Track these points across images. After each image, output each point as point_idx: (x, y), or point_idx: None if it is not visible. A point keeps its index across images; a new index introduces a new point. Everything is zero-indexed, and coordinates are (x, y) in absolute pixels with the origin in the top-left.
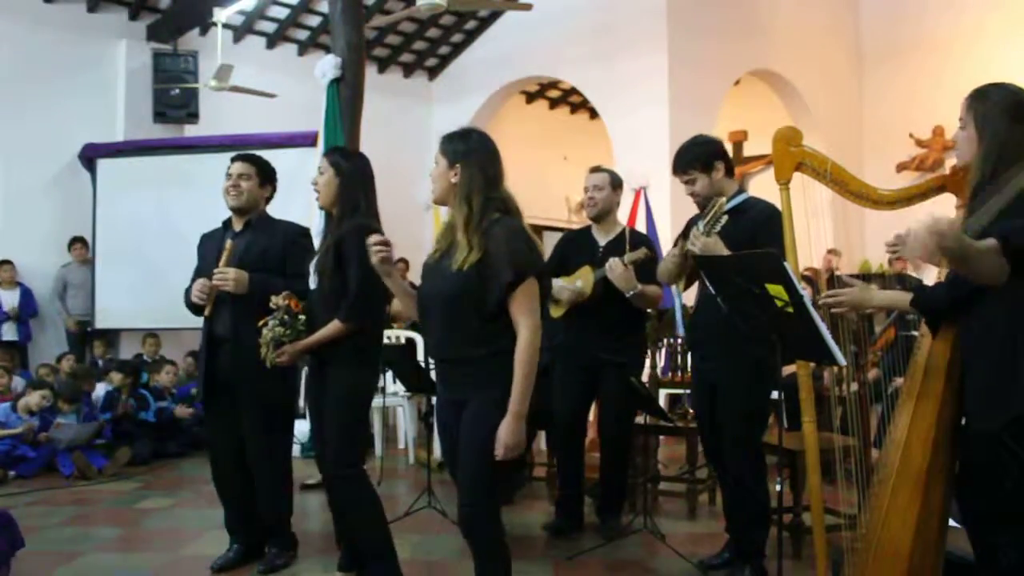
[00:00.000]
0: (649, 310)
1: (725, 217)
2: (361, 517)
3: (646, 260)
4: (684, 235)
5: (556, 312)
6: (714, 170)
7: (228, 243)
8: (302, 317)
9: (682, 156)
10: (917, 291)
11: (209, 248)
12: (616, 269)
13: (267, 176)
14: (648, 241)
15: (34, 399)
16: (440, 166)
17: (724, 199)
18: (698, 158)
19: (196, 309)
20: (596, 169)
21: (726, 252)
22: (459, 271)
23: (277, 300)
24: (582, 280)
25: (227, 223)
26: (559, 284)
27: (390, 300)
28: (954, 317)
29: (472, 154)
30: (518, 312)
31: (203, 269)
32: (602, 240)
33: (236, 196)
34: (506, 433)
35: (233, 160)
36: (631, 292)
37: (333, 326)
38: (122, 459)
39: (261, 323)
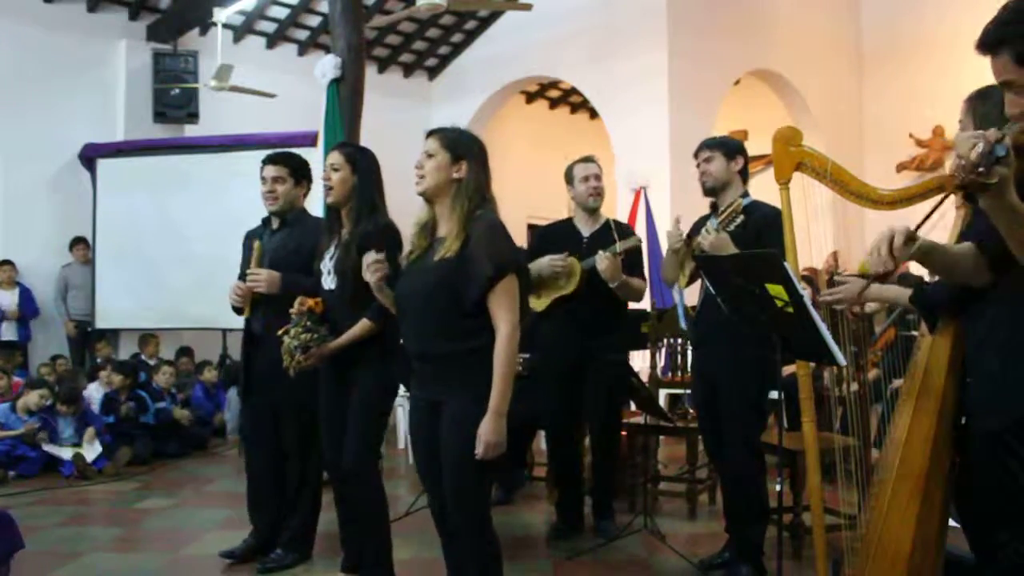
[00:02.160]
0: (648, 310)
1: (741, 217)
2: (373, 516)
3: (633, 252)
4: (692, 235)
5: (539, 304)
6: (733, 161)
7: (256, 244)
8: (325, 322)
9: (711, 139)
10: (917, 288)
11: (249, 247)
12: (605, 260)
13: (301, 173)
14: (632, 233)
15: (32, 399)
16: (439, 159)
17: (742, 199)
18: (725, 144)
19: (237, 310)
20: (591, 159)
21: (734, 250)
22: (439, 261)
23: (299, 307)
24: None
25: (267, 220)
26: (546, 259)
27: None
28: (953, 315)
29: (477, 152)
30: (497, 308)
31: (244, 268)
32: (586, 231)
33: (273, 201)
34: (487, 431)
35: (265, 162)
36: (616, 283)
37: (363, 326)
38: (122, 459)
39: (281, 331)
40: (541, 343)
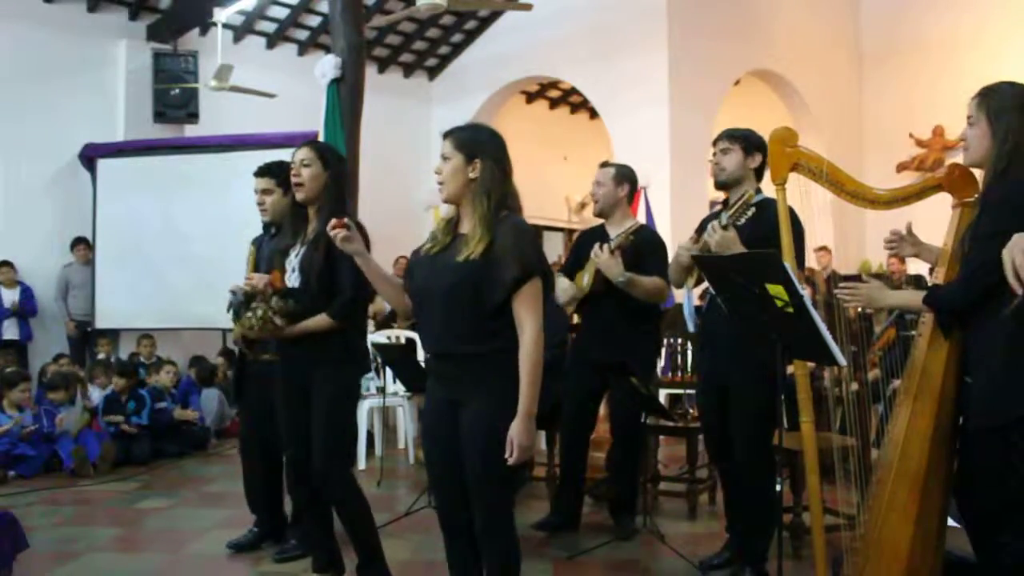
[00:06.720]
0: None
1: (752, 210)
2: (356, 515)
3: (641, 250)
4: (700, 231)
5: (568, 308)
6: (751, 157)
7: (250, 248)
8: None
9: (734, 129)
10: (931, 290)
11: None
12: (601, 255)
13: (289, 182)
14: (654, 238)
15: (15, 394)
16: (454, 162)
17: (752, 191)
18: (746, 138)
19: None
20: (603, 164)
21: (741, 248)
22: (464, 261)
23: (277, 282)
24: (588, 275)
25: (267, 226)
26: (561, 286)
27: (372, 299)
28: (964, 319)
29: (489, 149)
30: (523, 311)
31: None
32: (613, 234)
33: (263, 212)
34: (519, 434)
35: (254, 175)
36: (619, 280)
37: (319, 320)
38: (108, 456)
39: (248, 288)
40: (570, 344)
